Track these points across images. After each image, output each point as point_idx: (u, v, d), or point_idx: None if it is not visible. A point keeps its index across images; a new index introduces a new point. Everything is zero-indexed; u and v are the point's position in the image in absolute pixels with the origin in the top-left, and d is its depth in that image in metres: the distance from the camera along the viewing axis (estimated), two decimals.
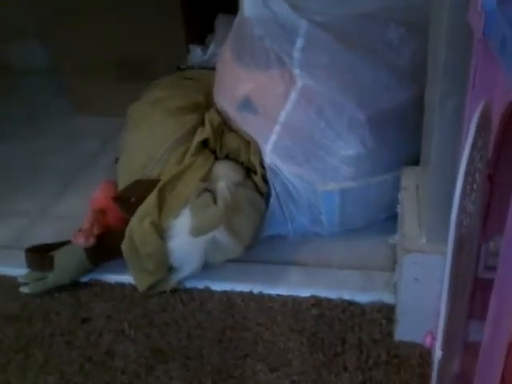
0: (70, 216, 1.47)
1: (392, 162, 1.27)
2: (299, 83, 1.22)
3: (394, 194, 1.27)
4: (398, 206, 1.25)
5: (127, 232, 1.21)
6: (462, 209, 0.64)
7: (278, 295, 1.24)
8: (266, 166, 1.30)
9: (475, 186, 0.68)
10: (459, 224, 0.64)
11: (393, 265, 1.29)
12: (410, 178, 1.19)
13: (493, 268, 0.97)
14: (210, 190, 1.22)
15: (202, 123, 1.35)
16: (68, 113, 2.13)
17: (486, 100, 0.64)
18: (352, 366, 1.07)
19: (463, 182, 0.61)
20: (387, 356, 1.08)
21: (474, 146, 0.63)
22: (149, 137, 1.37)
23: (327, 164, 1.27)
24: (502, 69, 0.56)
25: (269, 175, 1.30)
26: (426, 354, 1.08)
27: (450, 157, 0.90)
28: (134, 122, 1.45)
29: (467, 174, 0.63)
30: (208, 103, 1.42)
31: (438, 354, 0.70)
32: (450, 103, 0.89)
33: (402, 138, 1.25)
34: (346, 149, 1.24)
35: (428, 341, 0.71)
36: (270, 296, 1.24)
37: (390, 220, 1.36)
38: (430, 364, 1.06)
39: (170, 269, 1.25)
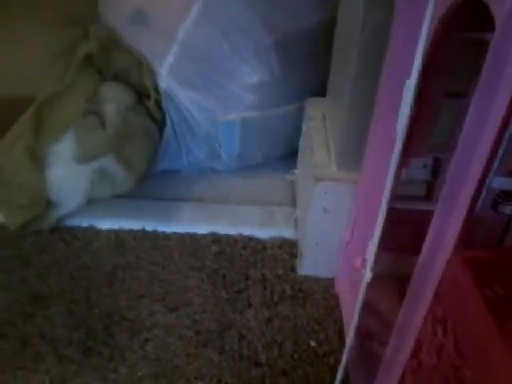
0: None
1: (296, 92, 1.20)
2: None
3: (296, 128, 1.22)
4: (302, 137, 1.20)
5: None
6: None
7: (174, 233, 1.14)
8: (161, 90, 1.17)
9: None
10: (405, 130, 0.58)
11: (293, 200, 1.25)
12: (316, 108, 1.13)
13: (402, 198, 0.97)
14: (96, 113, 1.06)
15: (84, 37, 1.16)
16: None
17: None
18: (256, 302, 1.01)
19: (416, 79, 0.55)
20: (292, 291, 1.04)
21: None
22: (19, 51, 1.15)
23: (229, 91, 1.17)
24: None
25: (164, 101, 1.17)
26: (329, 287, 1.06)
27: (372, 79, 0.85)
28: None
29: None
30: (88, 16, 1.22)
31: (367, 276, 0.65)
32: (374, 17, 0.83)
33: (308, 66, 1.19)
34: (251, 75, 1.14)
35: (358, 262, 0.66)
36: (165, 234, 1.14)
37: (288, 157, 1.32)
38: (334, 297, 1.04)
39: (49, 204, 1.08)
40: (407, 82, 0.74)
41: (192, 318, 0.97)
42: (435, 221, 0.58)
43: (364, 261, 0.66)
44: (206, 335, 0.94)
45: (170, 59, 1.15)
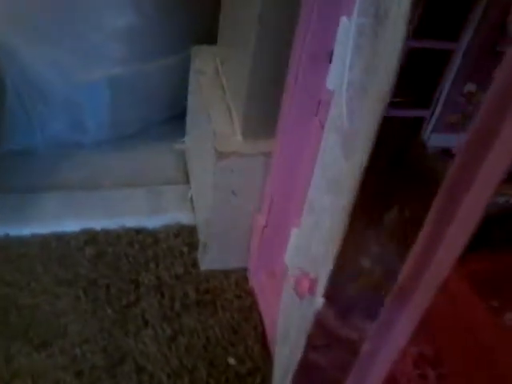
0: None
1: (178, 38, 0.95)
2: None
3: (181, 85, 0.97)
4: (190, 96, 0.96)
5: None
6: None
7: (34, 235, 0.86)
8: None
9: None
10: None
11: (185, 175, 1.02)
12: (206, 59, 0.89)
13: None
14: None
15: None
16: None
17: None
18: (154, 316, 0.79)
19: None
20: (197, 294, 0.83)
21: None
22: None
23: (89, 41, 0.89)
24: None
25: (1, 59, 0.86)
26: (242, 282, 0.86)
27: (284, 12, 0.63)
28: None
29: None
30: None
31: (318, 303, 0.45)
32: None
33: (191, 5, 0.93)
34: (115, 17, 0.87)
35: (305, 285, 0.46)
36: (20, 238, 0.86)
37: (174, 121, 1.08)
38: (248, 293, 0.85)
39: None
40: (344, 18, 0.53)
41: (70, 355, 0.72)
42: (428, 229, 0.39)
43: (313, 282, 0.45)
44: (92, 375, 0.71)
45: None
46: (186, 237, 0.91)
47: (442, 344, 0.43)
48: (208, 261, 0.86)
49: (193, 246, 0.90)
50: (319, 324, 0.57)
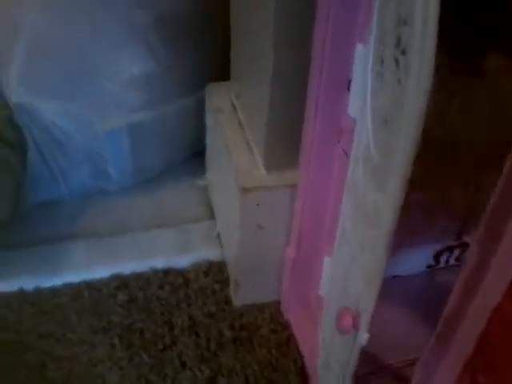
0: None
1: (192, 80, 0.96)
2: None
3: (198, 123, 0.98)
4: (208, 134, 0.97)
5: None
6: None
7: (65, 285, 0.87)
8: (11, 105, 0.88)
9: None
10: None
11: (210, 211, 1.02)
12: (220, 96, 0.90)
13: None
14: None
15: None
16: None
17: None
18: (191, 357, 0.78)
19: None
20: (232, 331, 0.82)
21: None
22: None
23: (106, 92, 0.90)
24: None
25: (20, 119, 0.88)
26: (277, 315, 0.85)
27: (297, 52, 0.64)
28: None
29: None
30: None
31: (363, 338, 0.44)
32: None
33: (202, 45, 0.95)
34: (131, 66, 0.88)
35: (348, 322, 0.44)
36: (53, 289, 0.86)
37: (194, 159, 1.08)
38: (284, 326, 0.83)
39: None
40: (359, 46, 0.54)
41: None
42: (476, 248, 0.38)
43: (356, 317, 0.44)
44: None
45: (16, 62, 0.86)
46: (216, 274, 0.91)
47: (498, 370, 0.42)
48: (241, 297, 0.86)
49: (224, 282, 0.89)
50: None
